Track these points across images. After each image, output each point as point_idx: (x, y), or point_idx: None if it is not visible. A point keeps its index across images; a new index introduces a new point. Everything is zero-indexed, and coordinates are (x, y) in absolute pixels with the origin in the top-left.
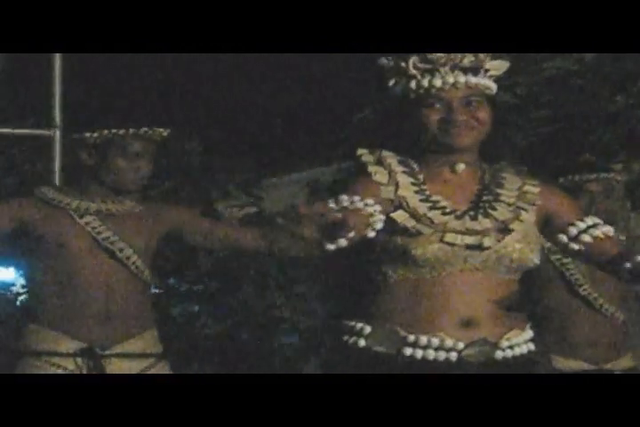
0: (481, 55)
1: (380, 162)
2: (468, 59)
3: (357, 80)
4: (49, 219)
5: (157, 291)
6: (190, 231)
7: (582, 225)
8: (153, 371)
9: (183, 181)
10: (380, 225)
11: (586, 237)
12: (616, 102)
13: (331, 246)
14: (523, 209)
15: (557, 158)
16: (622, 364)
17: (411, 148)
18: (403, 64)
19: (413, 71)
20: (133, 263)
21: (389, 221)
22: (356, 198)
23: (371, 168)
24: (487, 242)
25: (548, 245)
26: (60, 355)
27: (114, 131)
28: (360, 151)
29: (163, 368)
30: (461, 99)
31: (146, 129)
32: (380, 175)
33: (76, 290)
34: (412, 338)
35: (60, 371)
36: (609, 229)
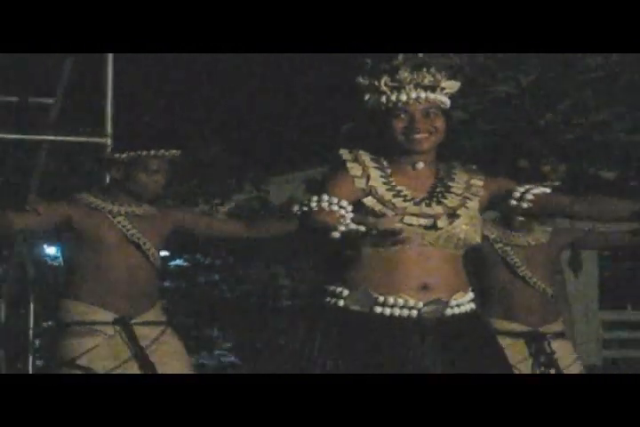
0: (438, 75)
1: (356, 159)
2: (427, 78)
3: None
4: (88, 217)
5: (186, 264)
6: (191, 226)
7: (521, 189)
8: (165, 335)
9: (206, 177)
10: (347, 226)
11: (529, 196)
12: (545, 118)
13: (337, 235)
14: (468, 198)
15: (499, 162)
16: (553, 328)
17: (381, 149)
18: (376, 82)
19: (384, 88)
20: (152, 253)
21: (361, 206)
22: (334, 200)
23: (349, 164)
24: (440, 224)
25: (494, 236)
26: (99, 324)
27: (138, 152)
28: (342, 151)
29: (172, 333)
30: (422, 111)
31: (162, 151)
32: (355, 169)
33: (108, 273)
34: (381, 299)
35: (101, 336)
36: (544, 189)
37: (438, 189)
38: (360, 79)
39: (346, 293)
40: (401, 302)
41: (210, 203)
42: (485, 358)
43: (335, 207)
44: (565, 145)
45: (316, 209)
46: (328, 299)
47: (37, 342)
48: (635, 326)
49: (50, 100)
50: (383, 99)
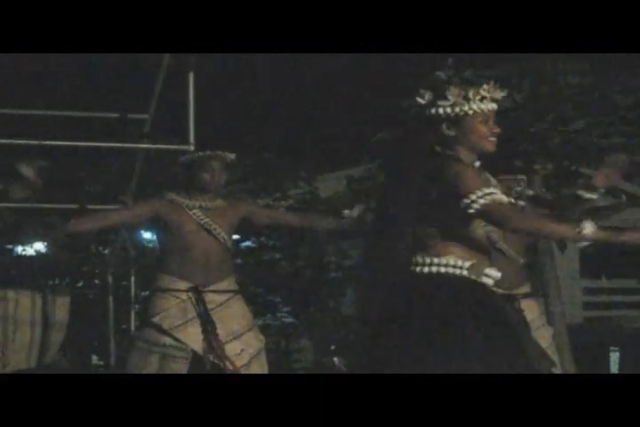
0: (498, 89)
1: None
2: (496, 93)
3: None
4: (172, 211)
5: (254, 245)
6: (256, 216)
7: (480, 193)
8: (231, 301)
9: (268, 175)
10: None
11: (482, 201)
12: (536, 126)
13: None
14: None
15: (498, 162)
16: (522, 290)
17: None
18: (464, 92)
19: (473, 98)
20: (222, 237)
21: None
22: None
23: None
24: None
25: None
26: (176, 291)
27: (199, 154)
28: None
29: (238, 300)
30: (493, 118)
31: (219, 152)
32: None
33: (187, 252)
34: (490, 271)
35: (176, 300)
36: (501, 198)
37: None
38: (452, 89)
39: (467, 264)
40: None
41: (271, 197)
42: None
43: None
44: (552, 148)
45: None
46: (435, 268)
47: (137, 306)
48: (608, 292)
49: (145, 116)
50: (474, 106)
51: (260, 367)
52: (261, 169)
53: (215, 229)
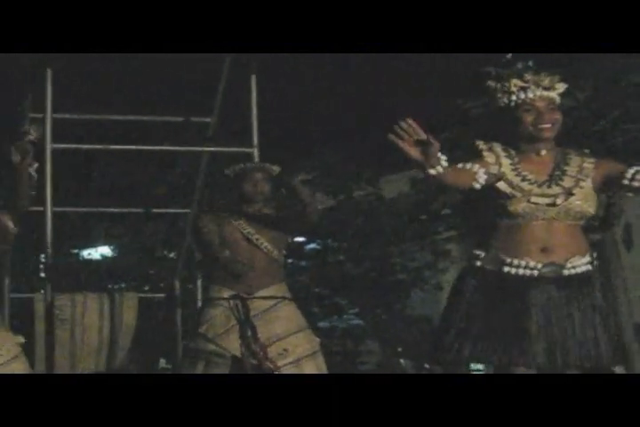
0: (553, 78)
1: (490, 149)
2: (546, 80)
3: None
4: (218, 222)
5: (319, 247)
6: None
7: (632, 170)
8: (278, 306)
9: (330, 178)
10: (482, 180)
11: (639, 176)
12: (599, 125)
13: (432, 171)
14: (582, 179)
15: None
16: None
17: (509, 140)
18: (507, 84)
19: (513, 89)
20: (265, 247)
21: (494, 190)
22: (469, 165)
23: (485, 153)
24: (558, 201)
25: None
26: (222, 299)
27: (242, 166)
28: (478, 142)
29: (287, 304)
30: (545, 106)
31: (262, 165)
32: (490, 157)
33: (232, 260)
34: (508, 260)
35: (220, 308)
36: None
37: (556, 173)
38: (490, 83)
39: (482, 255)
40: (524, 263)
41: (336, 199)
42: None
43: (477, 169)
44: (615, 146)
45: (462, 168)
46: (472, 260)
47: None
48: None
49: (207, 119)
50: (513, 97)
51: (315, 368)
52: (325, 171)
53: (258, 240)
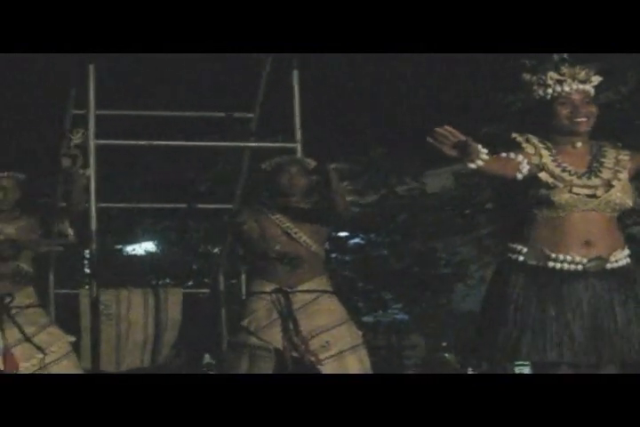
0: (589, 71)
1: (527, 140)
2: (582, 73)
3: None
4: (257, 216)
5: (362, 242)
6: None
7: None
8: (320, 299)
9: (373, 173)
10: (525, 171)
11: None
12: None
13: (472, 165)
14: (619, 171)
15: None
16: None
17: (545, 132)
18: (543, 77)
19: (550, 82)
20: (304, 241)
21: (536, 180)
22: (512, 154)
23: (524, 144)
24: (598, 193)
25: None
26: (264, 293)
27: (278, 160)
28: (514, 134)
29: (329, 298)
30: (580, 99)
31: (298, 158)
32: (529, 148)
33: (271, 254)
34: (553, 255)
35: (263, 302)
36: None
37: (595, 165)
38: (526, 76)
39: (525, 250)
40: (569, 258)
41: (378, 193)
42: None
43: (520, 159)
44: None
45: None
46: (510, 254)
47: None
48: None
49: (250, 115)
50: (549, 90)
51: (358, 362)
52: (368, 166)
53: (296, 233)
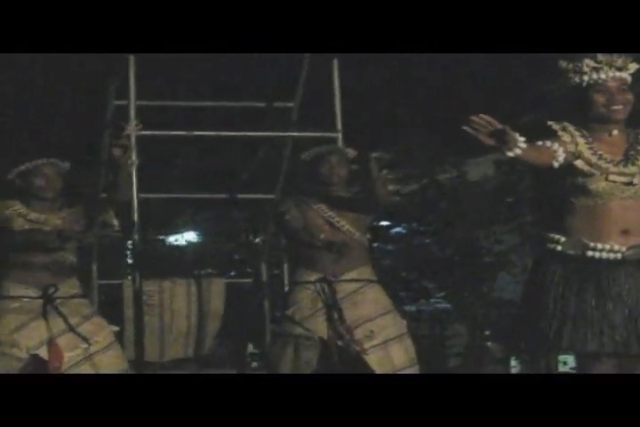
0: (625, 58)
1: (564, 129)
2: (619, 61)
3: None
4: (299, 207)
5: (404, 231)
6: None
7: None
8: (364, 289)
9: (413, 162)
10: (561, 159)
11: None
12: None
13: (510, 153)
14: None
15: None
16: None
17: (581, 120)
18: (579, 64)
19: (586, 69)
20: (347, 230)
21: (573, 168)
22: (548, 143)
23: (560, 132)
24: (635, 181)
25: None
26: (307, 282)
27: (318, 149)
28: (550, 122)
29: (373, 287)
30: (617, 87)
31: (338, 148)
32: (565, 137)
33: (316, 243)
34: (592, 245)
35: (306, 292)
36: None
37: (631, 153)
38: (562, 63)
39: (563, 239)
40: (607, 246)
41: (419, 182)
42: None
43: (556, 148)
44: None
45: (541, 146)
46: (548, 244)
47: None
48: None
49: (290, 104)
50: (585, 77)
51: (403, 351)
52: (409, 155)
53: (339, 222)
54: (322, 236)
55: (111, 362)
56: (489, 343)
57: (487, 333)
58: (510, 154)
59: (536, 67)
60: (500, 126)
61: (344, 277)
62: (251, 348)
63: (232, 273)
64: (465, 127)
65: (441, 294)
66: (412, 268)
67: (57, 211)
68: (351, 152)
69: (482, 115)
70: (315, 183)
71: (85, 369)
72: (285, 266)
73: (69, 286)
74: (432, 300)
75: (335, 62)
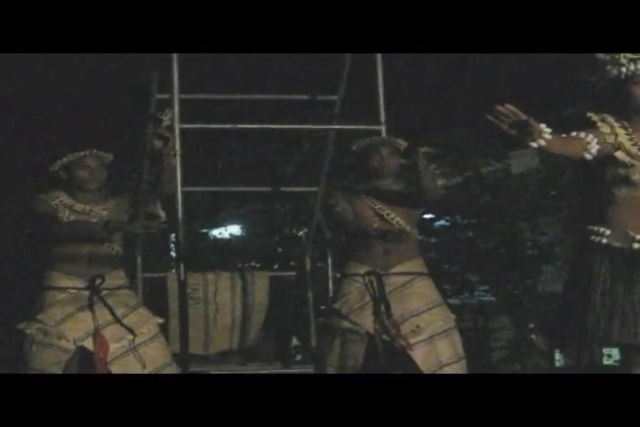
0: None
1: (603, 120)
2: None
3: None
4: (348, 199)
5: (447, 224)
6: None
7: None
8: (413, 282)
9: (459, 154)
10: (594, 151)
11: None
12: None
13: (534, 144)
14: None
15: None
16: None
17: (620, 111)
18: (617, 56)
19: (623, 61)
20: (396, 222)
21: (613, 159)
22: (582, 134)
23: (599, 123)
24: None
25: None
26: (356, 275)
27: (369, 140)
28: (589, 114)
29: (422, 280)
30: None
31: (389, 139)
32: (604, 128)
33: (367, 236)
34: (638, 237)
35: (355, 285)
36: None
37: None
38: (600, 55)
39: (608, 232)
40: None
41: (462, 175)
42: None
43: (590, 139)
44: None
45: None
46: (593, 237)
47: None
48: None
49: (334, 97)
50: (623, 69)
51: (450, 346)
52: (452, 148)
53: (389, 215)
54: (375, 225)
55: (156, 354)
56: (533, 336)
57: (531, 326)
58: (534, 145)
59: (576, 61)
60: (524, 117)
61: (394, 270)
62: (295, 341)
63: (276, 266)
64: (489, 116)
65: (485, 287)
66: (456, 261)
67: (102, 202)
68: (402, 143)
69: (507, 105)
70: (364, 175)
71: (130, 361)
72: (329, 259)
73: (115, 278)
74: (476, 293)
75: (379, 56)
